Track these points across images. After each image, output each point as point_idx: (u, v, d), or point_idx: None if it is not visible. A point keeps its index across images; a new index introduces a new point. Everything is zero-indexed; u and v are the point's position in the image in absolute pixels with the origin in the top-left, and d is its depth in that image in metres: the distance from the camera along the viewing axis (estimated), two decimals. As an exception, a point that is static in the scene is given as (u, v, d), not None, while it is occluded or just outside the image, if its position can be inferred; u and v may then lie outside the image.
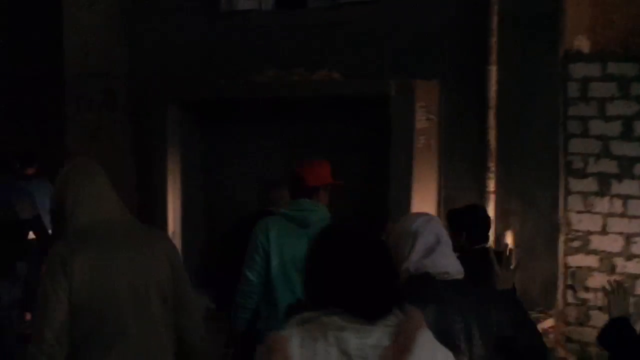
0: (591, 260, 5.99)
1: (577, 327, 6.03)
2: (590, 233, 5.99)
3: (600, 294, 5.73)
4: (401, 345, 2.05)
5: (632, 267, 5.86)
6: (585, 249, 6.00)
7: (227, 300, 4.41)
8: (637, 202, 5.84)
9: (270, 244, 3.98)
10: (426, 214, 3.23)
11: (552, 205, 5.98)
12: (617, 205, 5.89)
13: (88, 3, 7.89)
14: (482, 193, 6.01)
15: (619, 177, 5.87)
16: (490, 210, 5.83)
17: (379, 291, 2.12)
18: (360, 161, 6.45)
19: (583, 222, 6.01)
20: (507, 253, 5.20)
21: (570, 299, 6.06)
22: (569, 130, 6.02)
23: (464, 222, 4.74)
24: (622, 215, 5.88)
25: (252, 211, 5.53)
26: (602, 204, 5.94)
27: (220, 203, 7.31)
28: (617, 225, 5.89)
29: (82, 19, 7.96)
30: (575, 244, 6.03)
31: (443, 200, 6.17)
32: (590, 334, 5.81)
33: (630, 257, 5.87)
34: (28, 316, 5.81)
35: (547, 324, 5.75)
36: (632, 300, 4.72)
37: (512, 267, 5.20)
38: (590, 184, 5.97)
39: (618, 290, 3.26)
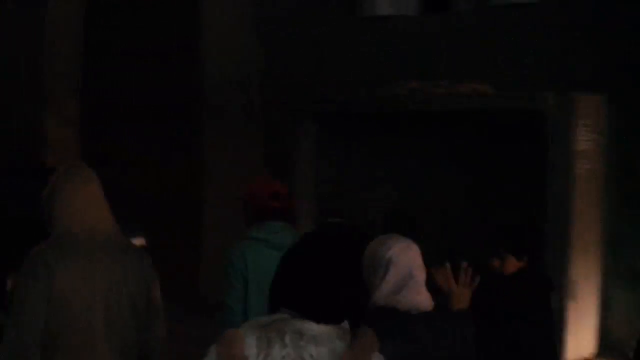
0: None
1: None
2: None
3: None
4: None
5: None
6: None
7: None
8: None
9: (248, 269, 3.87)
10: (405, 240, 3.01)
11: None
12: None
13: (229, 7, 7.59)
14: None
15: None
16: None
17: (331, 294, 2.14)
18: (510, 185, 5.72)
19: None
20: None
21: None
22: None
23: (527, 243, 4.04)
24: None
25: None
26: None
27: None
28: None
29: (219, 25, 7.69)
30: None
31: (607, 238, 5.33)
32: None
33: None
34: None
35: None
36: None
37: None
38: None
39: None
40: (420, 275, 2.92)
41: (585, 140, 5.29)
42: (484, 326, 3.24)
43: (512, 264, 3.95)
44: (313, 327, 2.12)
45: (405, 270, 2.88)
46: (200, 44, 7.94)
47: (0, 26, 11.19)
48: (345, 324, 2.16)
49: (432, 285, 3.12)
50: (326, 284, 2.14)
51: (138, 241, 7.37)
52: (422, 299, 2.90)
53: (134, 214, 7.71)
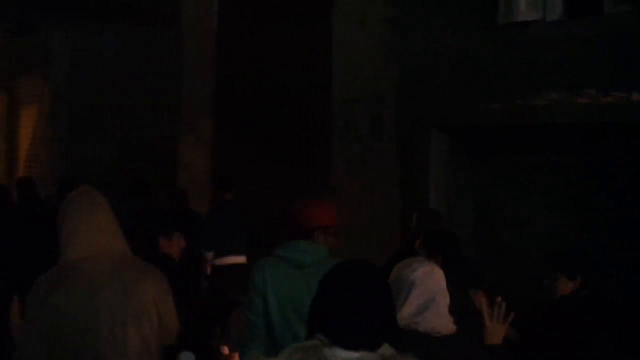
0: None
1: None
2: None
3: None
4: None
5: None
6: None
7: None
8: None
9: (267, 285, 3.87)
10: (429, 264, 3.04)
11: None
12: None
13: (359, 21, 7.33)
14: None
15: None
16: None
17: (363, 321, 2.16)
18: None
19: None
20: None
21: None
22: None
23: (583, 266, 4.24)
24: None
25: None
26: None
27: (494, 252, 6.24)
28: None
29: (351, 39, 7.44)
30: None
31: None
32: None
33: None
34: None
35: None
36: None
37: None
38: None
39: None
40: (443, 299, 2.94)
41: None
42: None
43: None
44: (341, 355, 2.12)
45: (428, 293, 2.90)
46: (331, 60, 7.72)
47: (142, 48, 11.38)
48: (386, 349, 2.15)
49: (462, 309, 3.13)
50: (354, 310, 2.16)
51: (239, 259, 7.32)
52: (444, 322, 2.91)
53: (263, 231, 7.56)
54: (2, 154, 14.39)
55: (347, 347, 2.12)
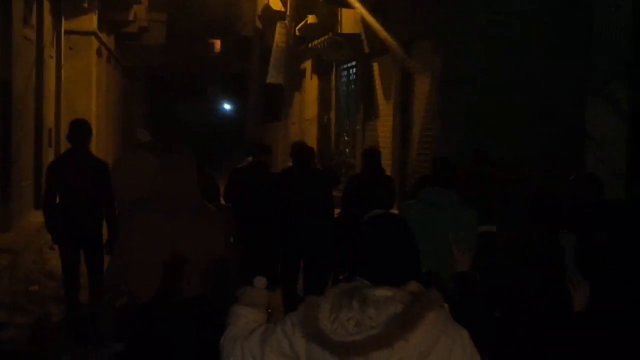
0: None
1: None
2: None
3: None
4: (406, 321, 2.41)
5: None
6: None
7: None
8: None
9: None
10: None
11: None
12: None
13: None
14: None
15: None
16: None
17: (397, 264, 2.60)
18: None
19: None
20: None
21: None
22: None
23: None
24: None
25: None
26: None
27: None
28: None
29: None
30: None
31: None
32: None
33: None
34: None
35: None
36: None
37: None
38: None
39: None
40: None
41: None
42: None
43: None
44: (376, 292, 2.51)
45: None
46: None
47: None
48: (412, 286, 2.56)
49: None
50: (390, 255, 2.61)
51: (488, 228, 6.72)
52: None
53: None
54: (397, 128, 13.77)
55: (384, 284, 2.54)
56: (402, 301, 2.46)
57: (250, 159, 8.35)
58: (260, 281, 3.00)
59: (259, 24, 24.75)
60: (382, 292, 2.49)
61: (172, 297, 4.13)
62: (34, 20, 12.89)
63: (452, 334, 2.49)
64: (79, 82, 16.70)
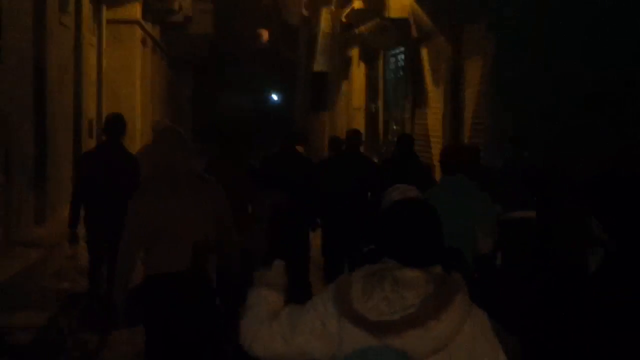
0: None
1: None
2: None
3: None
4: (439, 301, 2.51)
5: None
6: None
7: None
8: None
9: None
10: None
11: None
12: None
13: None
14: None
15: None
16: None
17: (424, 246, 2.65)
18: None
19: None
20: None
21: None
22: None
23: None
24: None
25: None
26: None
27: None
28: None
29: None
30: None
31: None
32: None
33: None
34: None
35: None
36: None
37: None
38: None
39: None
40: None
41: None
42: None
43: None
44: (407, 274, 2.58)
45: None
46: None
47: None
48: (437, 268, 2.63)
49: None
50: (418, 237, 2.65)
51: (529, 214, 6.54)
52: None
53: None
54: (447, 116, 13.19)
55: (412, 266, 2.59)
56: (433, 282, 2.56)
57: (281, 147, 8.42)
58: (278, 265, 2.98)
59: (305, 12, 24.32)
60: (412, 274, 2.57)
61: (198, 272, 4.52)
62: (71, 7, 12.58)
63: (475, 315, 2.60)
64: (122, 71, 16.44)
